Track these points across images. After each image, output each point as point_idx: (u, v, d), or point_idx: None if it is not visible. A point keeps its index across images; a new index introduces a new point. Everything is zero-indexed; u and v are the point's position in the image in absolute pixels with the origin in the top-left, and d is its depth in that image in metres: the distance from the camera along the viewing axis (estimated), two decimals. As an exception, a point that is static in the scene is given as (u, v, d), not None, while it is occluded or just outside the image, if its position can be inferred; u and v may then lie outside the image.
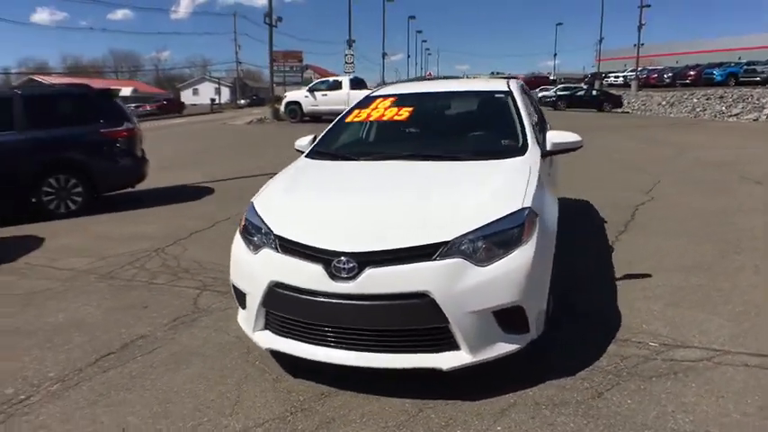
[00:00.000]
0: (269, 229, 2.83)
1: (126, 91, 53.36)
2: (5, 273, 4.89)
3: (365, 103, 4.24)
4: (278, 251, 2.73)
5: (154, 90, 64.56)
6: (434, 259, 2.48)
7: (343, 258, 2.51)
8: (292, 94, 24.81)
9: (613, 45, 61.64)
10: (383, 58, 56.40)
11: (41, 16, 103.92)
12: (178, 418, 2.58)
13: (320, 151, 3.78)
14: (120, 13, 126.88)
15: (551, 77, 58.14)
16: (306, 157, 3.74)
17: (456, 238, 2.52)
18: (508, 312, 2.55)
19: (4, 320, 3.80)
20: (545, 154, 3.54)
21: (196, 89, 78.38)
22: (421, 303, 2.44)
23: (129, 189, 8.18)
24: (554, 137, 3.56)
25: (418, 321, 2.50)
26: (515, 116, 3.70)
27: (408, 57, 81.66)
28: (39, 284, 4.54)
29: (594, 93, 31.58)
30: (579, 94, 31.78)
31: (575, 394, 2.62)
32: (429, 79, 6.61)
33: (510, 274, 2.52)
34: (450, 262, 2.48)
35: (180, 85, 79.58)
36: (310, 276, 2.57)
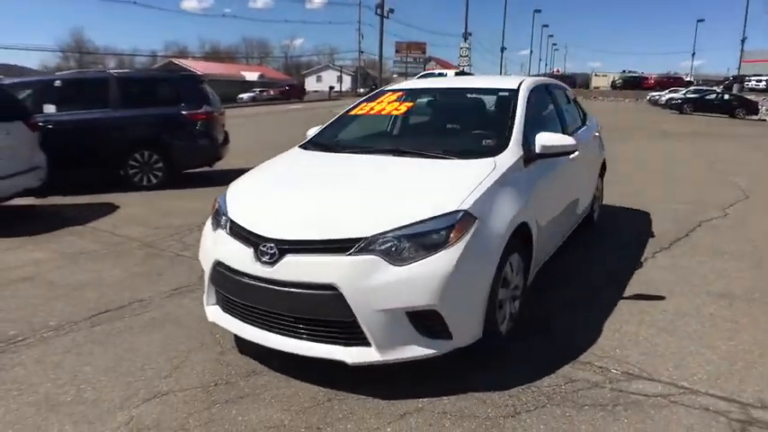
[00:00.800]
0: (226, 211, 3.00)
1: (252, 76, 57.31)
2: (71, 234, 5.60)
3: (375, 96, 4.27)
4: (227, 233, 2.89)
5: (279, 76, 68.59)
6: (349, 254, 2.49)
7: (267, 243, 2.61)
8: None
9: (765, 45, 54.61)
10: (501, 53, 55.16)
11: (190, 4, 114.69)
12: (122, 373, 2.85)
13: (314, 141, 3.89)
14: (260, 2, 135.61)
15: (687, 78, 53.09)
16: (299, 146, 3.87)
17: (374, 235, 2.50)
18: (423, 315, 2.50)
19: (46, 274, 4.39)
20: (533, 157, 3.34)
21: (320, 76, 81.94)
22: (329, 296, 2.47)
23: (207, 168, 8.88)
24: (544, 140, 3.35)
25: (327, 313, 2.53)
26: (509, 117, 3.52)
27: (531, 52, 79.09)
28: (90, 246, 5.16)
29: (727, 97, 28.31)
30: (709, 97, 28.63)
31: (489, 410, 2.50)
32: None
33: (426, 276, 2.46)
34: (364, 258, 2.47)
35: (305, 71, 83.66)
36: (241, 258, 2.71)
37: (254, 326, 2.76)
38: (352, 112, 4.15)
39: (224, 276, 2.83)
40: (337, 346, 2.56)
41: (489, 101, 3.93)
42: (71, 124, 7.57)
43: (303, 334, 2.61)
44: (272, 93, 50.57)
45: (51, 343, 3.20)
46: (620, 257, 4.69)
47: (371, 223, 2.55)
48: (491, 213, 2.74)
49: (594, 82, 73.19)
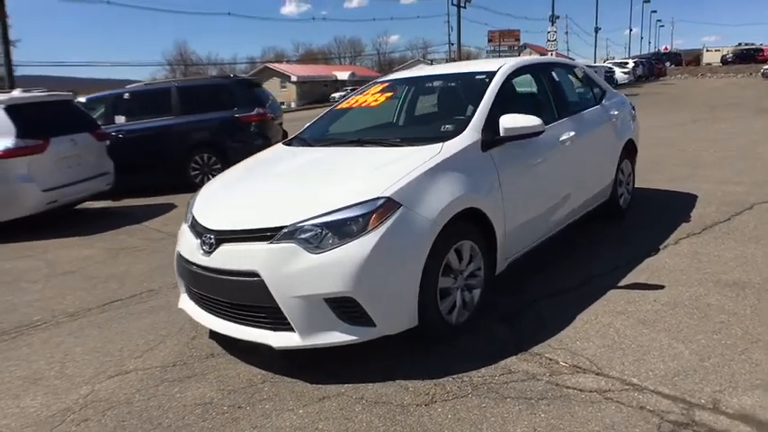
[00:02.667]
0: (192, 207, 3.22)
1: (344, 75, 58.90)
2: (125, 232, 6.20)
3: (364, 89, 4.31)
4: (188, 226, 3.10)
5: (370, 73, 69.81)
6: (271, 242, 2.57)
7: (208, 234, 2.77)
8: (474, 76, 24.58)
9: None
10: (595, 34, 52.05)
11: (289, 9, 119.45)
12: (103, 353, 3.17)
13: (297, 136, 4.00)
14: (355, 2, 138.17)
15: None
16: (283, 142, 4.00)
17: (293, 223, 2.57)
18: (342, 302, 2.52)
19: (87, 268, 4.93)
20: (497, 141, 3.21)
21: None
22: (254, 282, 2.58)
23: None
24: (506, 122, 3.20)
25: (254, 299, 2.63)
26: (476, 101, 3.39)
27: (630, 30, 73.60)
28: (135, 243, 5.69)
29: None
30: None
31: (407, 397, 2.47)
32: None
33: (341, 263, 2.49)
34: (283, 246, 2.55)
35: (396, 68, 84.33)
36: (191, 248, 2.90)
37: (205, 310, 2.94)
38: (340, 107, 4.22)
39: (182, 266, 3.04)
40: (266, 331, 2.66)
41: (467, 85, 3.80)
42: (138, 132, 8.35)
43: (239, 318, 2.75)
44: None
45: (62, 327, 3.61)
46: (637, 244, 4.32)
47: (293, 212, 2.62)
48: (422, 199, 2.69)
49: (707, 58, 66.65)
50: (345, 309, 2.54)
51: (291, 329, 2.59)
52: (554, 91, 4.12)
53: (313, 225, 2.56)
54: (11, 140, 5.80)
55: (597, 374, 2.56)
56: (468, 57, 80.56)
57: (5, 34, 13.15)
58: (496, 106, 3.40)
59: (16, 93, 6.68)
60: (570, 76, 4.58)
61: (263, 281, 2.55)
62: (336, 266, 2.49)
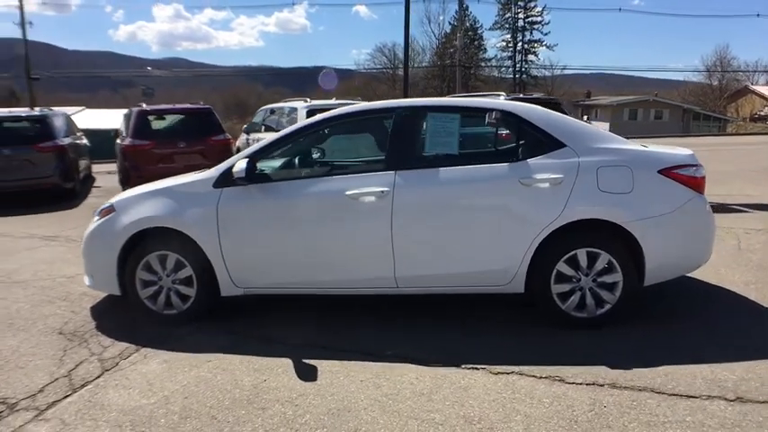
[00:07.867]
0: None
1: None
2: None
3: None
4: None
5: None
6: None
7: None
8: None
9: None
10: None
11: None
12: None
13: None
14: None
15: None
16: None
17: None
18: (85, 257, 3.89)
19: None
20: (230, 182, 3.47)
21: None
22: None
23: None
24: (235, 166, 3.43)
25: None
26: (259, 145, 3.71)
27: None
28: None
29: None
30: None
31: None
32: None
33: (86, 232, 3.83)
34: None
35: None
36: None
37: None
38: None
39: None
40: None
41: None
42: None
43: None
44: None
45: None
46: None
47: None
48: (131, 210, 3.64)
49: None
50: (88, 263, 3.87)
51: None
52: (396, 140, 3.48)
53: (103, 208, 3.89)
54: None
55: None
56: None
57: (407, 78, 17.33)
58: (267, 151, 3.61)
59: (332, 101, 9.42)
60: (452, 124, 3.45)
61: None
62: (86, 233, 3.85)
